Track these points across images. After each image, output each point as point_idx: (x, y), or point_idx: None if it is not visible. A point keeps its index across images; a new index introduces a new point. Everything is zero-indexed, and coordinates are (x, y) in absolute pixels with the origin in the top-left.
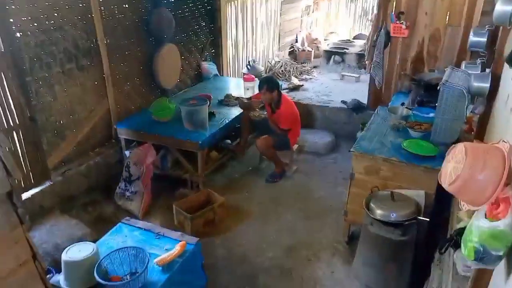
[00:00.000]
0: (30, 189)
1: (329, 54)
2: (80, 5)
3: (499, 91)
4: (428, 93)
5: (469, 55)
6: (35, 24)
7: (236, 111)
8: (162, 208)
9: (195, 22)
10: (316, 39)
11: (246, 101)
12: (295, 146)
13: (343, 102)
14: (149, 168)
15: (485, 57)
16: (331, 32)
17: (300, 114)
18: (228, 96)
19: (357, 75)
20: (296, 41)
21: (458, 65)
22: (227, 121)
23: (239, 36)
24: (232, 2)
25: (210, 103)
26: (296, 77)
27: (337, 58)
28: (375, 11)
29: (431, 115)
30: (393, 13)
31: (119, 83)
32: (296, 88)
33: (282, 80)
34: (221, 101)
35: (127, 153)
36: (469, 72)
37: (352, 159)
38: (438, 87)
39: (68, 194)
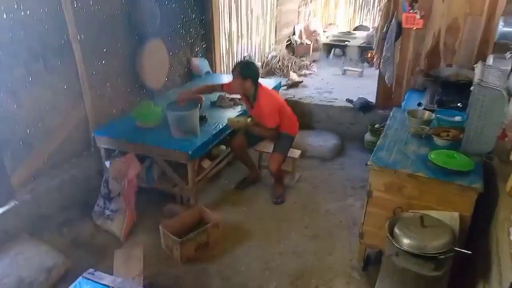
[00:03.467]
0: None
1: (329, 47)
2: None
3: None
4: (446, 91)
5: (491, 48)
6: None
7: (231, 114)
8: (148, 227)
9: (183, 14)
10: (315, 31)
11: (238, 119)
12: (298, 152)
13: (349, 100)
14: (132, 182)
15: None
16: (330, 24)
17: (301, 114)
18: (221, 97)
19: (360, 70)
20: (294, 34)
21: (479, 59)
22: (221, 126)
23: (233, 29)
24: None
25: (201, 106)
26: (294, 72)
27: (338, 51)
28: None
29: (457, 118)
30: (405, 1)
31: (97, 84)
32: (295, 84)
33: (280, 76)
34: (213, 102)
35: (107, 163)
36: (502, 68)
37: (369, 174)
38: (472, 87)
39: (38, 214)
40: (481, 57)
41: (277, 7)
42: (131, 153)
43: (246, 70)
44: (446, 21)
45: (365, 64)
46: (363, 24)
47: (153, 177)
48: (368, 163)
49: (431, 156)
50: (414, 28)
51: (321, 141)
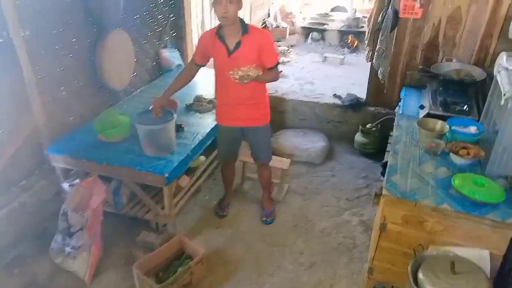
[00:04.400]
0: None
1: (306, 30)
2: None
3: None
4: (448, 91)
5: (495, 41)
6: None
7: (212, 120)
8: (118, 262)
9: None
10: (291, 13)
11: (247, 74)
12: (288, 162)
13: (337, 96)
14: (97, 211)
15: None
16: (306, 4)
17: (284, 111)
18: (199, 98)
19: (341, 57)
20: (269, 16)
21: (481, 53)
22: (200, 137)
23: (206, 13)
24: None
25: (175, 112)
26: None
27: (316, 35)
28: None
29: (472, 129)
30: None
31: (48, 89)
32: None
33: None
34: (189, 106)
35: (65, 185)
36: None
37: (382, 203)
38: (504, 101)
39: None
40: (484, 51)
41: None
42: (94, 175)
43: None
44: (448, 10)
45: (346, 49)
46: (341, 5)
47: (121, 200)
48: (384, 193)
49: (455, 183)
50: (412, 18)
51: (308, 143)
